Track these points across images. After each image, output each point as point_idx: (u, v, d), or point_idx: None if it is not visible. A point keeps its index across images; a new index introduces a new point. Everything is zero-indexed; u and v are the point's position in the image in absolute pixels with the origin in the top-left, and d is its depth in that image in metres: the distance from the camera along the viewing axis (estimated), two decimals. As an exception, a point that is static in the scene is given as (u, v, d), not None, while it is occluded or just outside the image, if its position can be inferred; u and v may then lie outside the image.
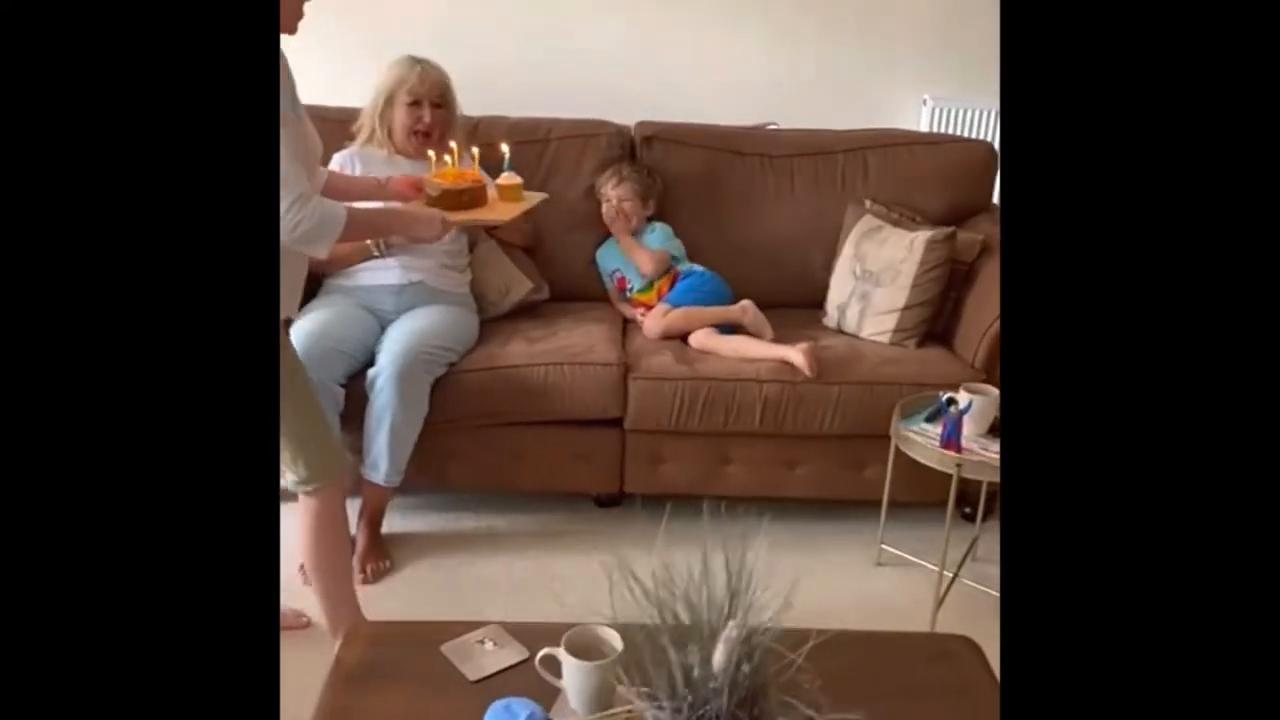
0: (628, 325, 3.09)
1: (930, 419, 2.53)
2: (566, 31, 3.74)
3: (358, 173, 2.85)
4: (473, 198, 2.43)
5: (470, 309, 2.97)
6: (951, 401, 2.45)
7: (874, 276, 2.99)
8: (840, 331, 3.06)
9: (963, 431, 2.41)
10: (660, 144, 3.25)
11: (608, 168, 3.17)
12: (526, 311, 3.04)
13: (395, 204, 2.45)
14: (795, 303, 3.19)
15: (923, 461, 2.44)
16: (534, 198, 2.65)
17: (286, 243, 1.80)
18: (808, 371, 2.72)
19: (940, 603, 2.47)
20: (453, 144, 2.58)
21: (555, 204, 3.15)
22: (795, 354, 2.74)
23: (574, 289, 3.16)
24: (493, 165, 2.70)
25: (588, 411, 2.70)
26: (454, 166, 2.50)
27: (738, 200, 3.24)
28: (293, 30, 1.79)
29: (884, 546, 2.77)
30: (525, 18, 3.72)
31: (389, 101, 2.87)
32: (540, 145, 3.22)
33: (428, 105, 2.88)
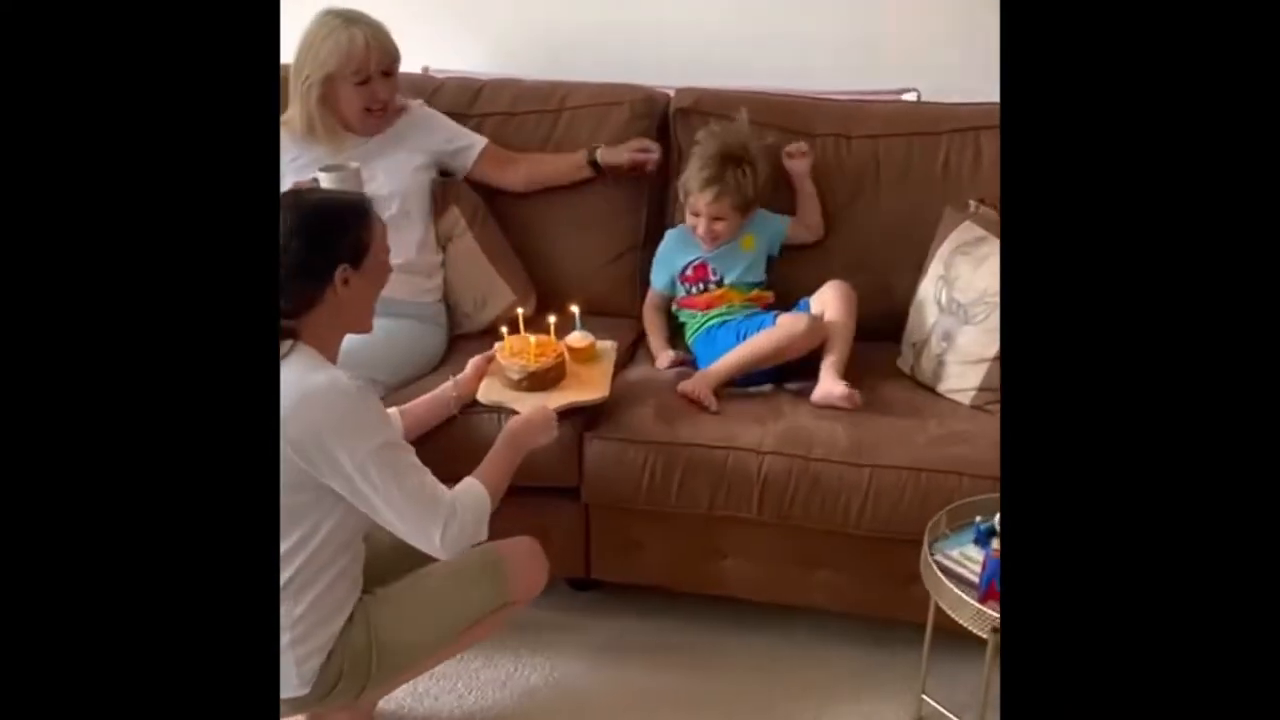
0: (636, 350, 2.39)
1: (987, 536, 1.71)
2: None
3: (295, 166, 2.30)
4: (558, 373, 2.07)
5: (436, 323, 2.38)
6: (994, 534, 1.63)
7: (963, 310, 2.15)
8: (913, 380, 2.24)
9: (1011, 575, 1.59)
10: (701, 119, 2.49)
11: (629, 140, 2.46)
12: (514, 325, 2.35)
13: (506, 427, 1.92)
14: (870, 334, 2.37)
15: (950, 613, 1.65)
16: (607, 353, 2.20)
17: (455, 553, 1.67)
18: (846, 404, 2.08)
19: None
20: (519, 310, 2.21)
21: (559, 193, 2.49)
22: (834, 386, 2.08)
23: (582, 298, 2.43)
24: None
25: (533, 476, 2.03)
26: (525, 336, 2.08)
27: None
28: (368, 328, 1.76)
29: (925, 698, 1.97)
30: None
31: (329, 84, 2.27)
32: (551, 117, 2.55)
33: (379, 78, 2.28)
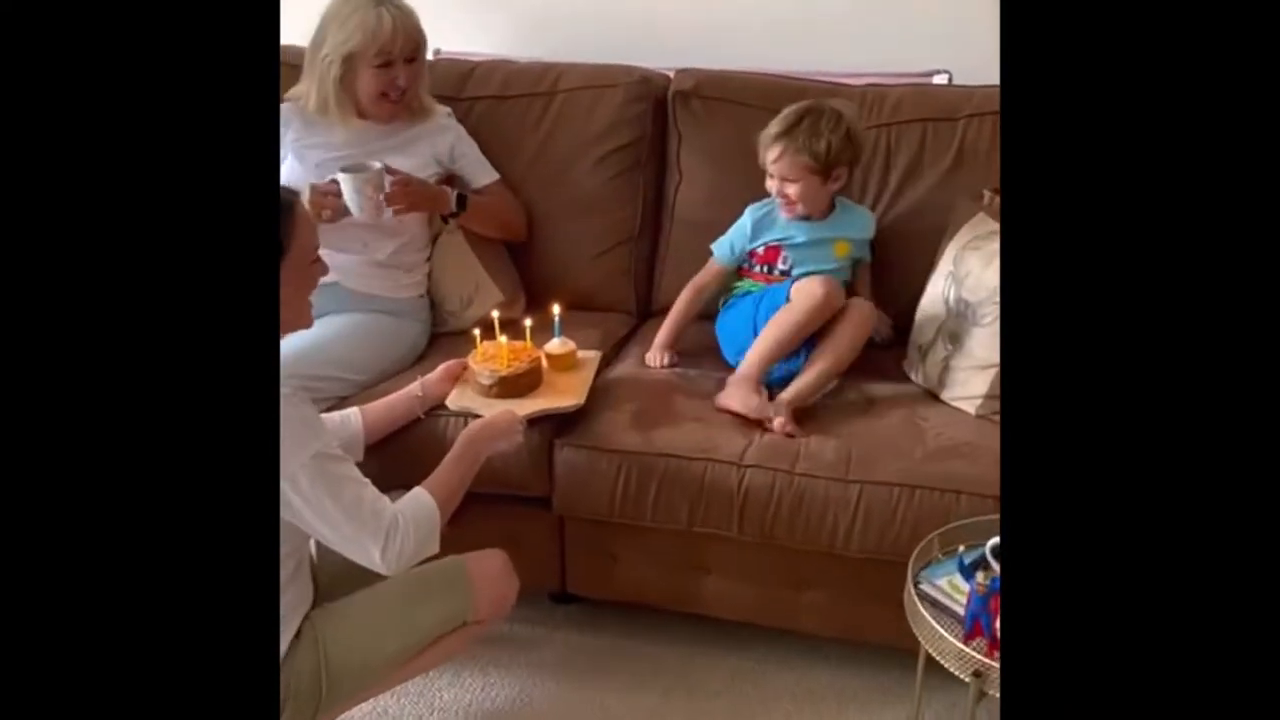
0: (625, 345, 2.25)
1: (971, 569, 1.55)
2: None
3: (298, 146, 2.21)
4: (532, 379, 1.94)
5: (415, 318, 2.26)
6: (980, 566, 1.47)
7: (971, 310, 1.98)
8: (917, 386, 2.07)
9: (998, 617, 1.44)
10: (703, 103, 2.34)
11: (626, 126, 2.32)
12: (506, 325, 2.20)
13: (465, 431, 1.78)
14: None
15: (931, 653, 1.49)
16: (589, 361, 2.05)
17: (399, 571, 1.56)
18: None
19: None
20: (494, 313, 2.03)
21: (551, 181, 2.36)
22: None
23: (573, 295, 2.29)
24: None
25: (503, 483, 1.91)
26: (499, 340, 1.94)
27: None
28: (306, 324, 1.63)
29: (920, 732, 1.82)
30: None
31: (349, 63, 2.14)
32: (543, 100, 2.41)
33: (401, 63, 2.15)
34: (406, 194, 2.08)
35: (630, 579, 2.01)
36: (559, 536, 2.02)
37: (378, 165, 2.04)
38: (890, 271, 2.22)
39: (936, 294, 2.07)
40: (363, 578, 1.69)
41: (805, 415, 1.93)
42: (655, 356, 2.15)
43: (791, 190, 2.05)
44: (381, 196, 2.04)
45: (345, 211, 2.06)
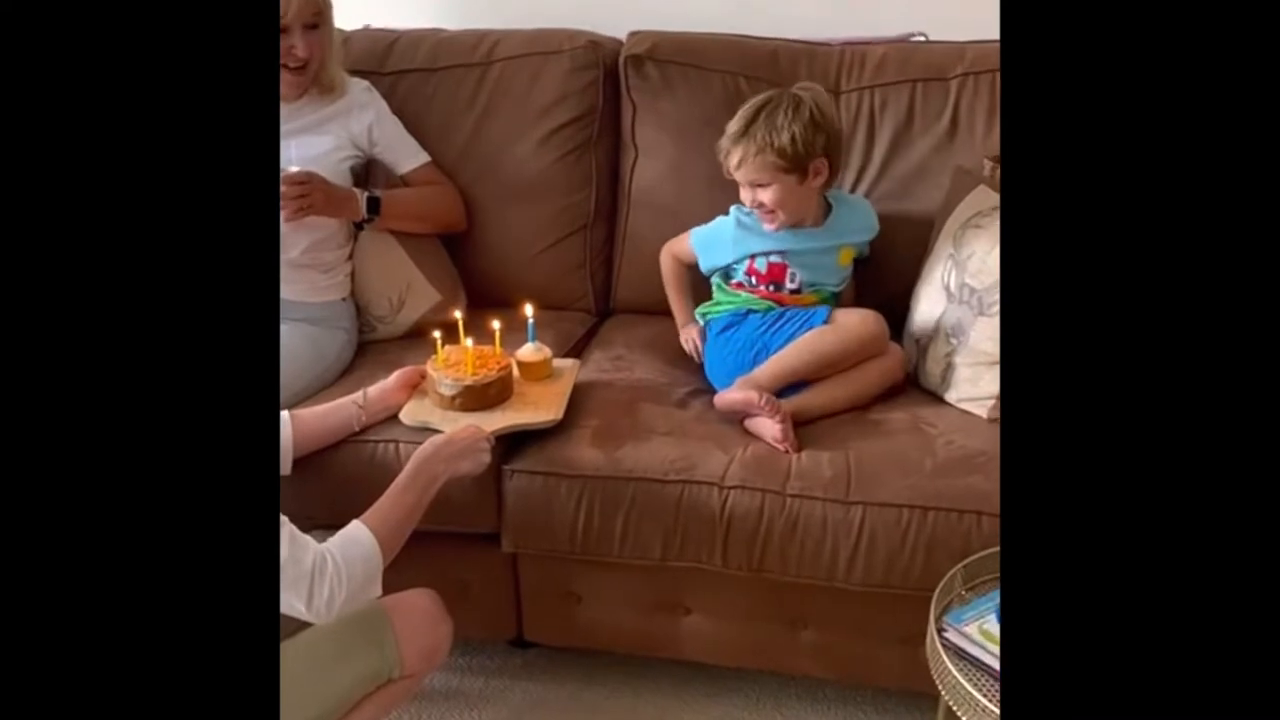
0: (584, 349, 1.96)
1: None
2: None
3: None
4: (501, 390, 1.67)
5: (337, 326, 1.96)
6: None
7: (977, 297, 1.71)
8: (917, 386, 1.81)
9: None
10: (658, 67, 2.06)
11: (574, 98, 2.04)
12: (450, 332, 1.82)
13: (417, 451, 1.52)
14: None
15: (955, 710, 1.23)
16: (567, 372, 1.78)
17: (332, 619, 1.33)
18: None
19: None
20: (457, 313, 1.78)
21: (490, 164, 2.07)
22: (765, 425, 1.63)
23: (520, 293, 1.96)
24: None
25: (440, 518, 1.61)
26: (464, 343, 1.70)
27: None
28: None
29: (938, 790, 1.55)
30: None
31: None
32: (478, 71, 2.12)
33: (298, 30, 1.84)
34: (303, 195, 1.77)
35: (597, 622, 1.73)
36: (513, 577, 1.74)
37: (294, 168, 1.78)
38: (879, 256, 1.95)
39: (935, 280, 1.80)
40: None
41: (796, 423, 1.66)
42: (689, 340, 1.89)
43: (766, 197, 1.74)
44: None
45: None
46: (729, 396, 1.66)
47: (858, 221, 1.86)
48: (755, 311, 1.79)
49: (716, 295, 1.88)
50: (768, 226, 1.78)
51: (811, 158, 1.71)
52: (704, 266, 1.88)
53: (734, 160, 1.74)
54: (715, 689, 1.80)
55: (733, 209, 1.84)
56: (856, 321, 1.72)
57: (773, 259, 1.80)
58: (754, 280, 1.82)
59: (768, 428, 1.61)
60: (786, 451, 1.60)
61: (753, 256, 1.81)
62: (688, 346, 1.89)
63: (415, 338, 1.97)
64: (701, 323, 1.87)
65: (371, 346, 1.99)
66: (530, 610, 1.75)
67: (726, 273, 1.86)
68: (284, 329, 1.86)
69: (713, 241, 1.86)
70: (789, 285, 1.81)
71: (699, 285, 1.93)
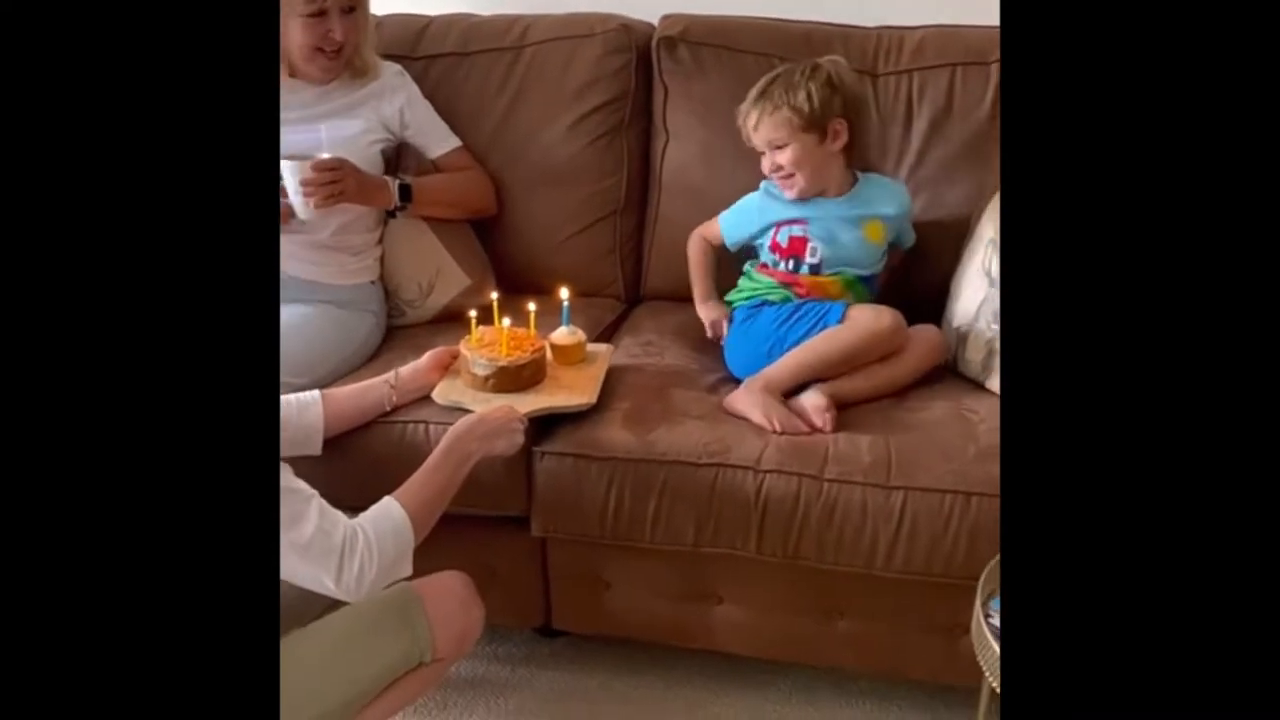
0: (614, 334, 1.93)
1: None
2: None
3: None
4: (535, 371, 1.65)
5: (365, 309, 1.93)
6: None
7: (1019, 281, 1.66)
8: (957, 374, 1.77)
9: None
10: (691, 49, 2.03)
11: (605, 82, 2.01)
12: (486, 313, 1.81)
13: (450, 429, 1.50)
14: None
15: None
16: (600, 356, 1.76)
17: (364, 596, 1.33)
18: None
19: None
20: (493, 295, 1.76)
21: (521, 149, 2.05)
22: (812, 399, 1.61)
23: (549, 278, 1.94)
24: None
25: (469, 501, 1.58)
26: (499, 325, 1.66)
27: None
28: None
29: (978, 788, 1.51)
30: None
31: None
32: (510, 55, 2.09)
33: (336, 14, 1.82)
34: (334, 182, 1.75)
35: (626, 609, 1.69)
36: (541, 562, 1.70)
37: (325, 157, 1.76)
38: (919, 242, 1.91)
39: (975, 266, 1.76)
40: (298, 616, 1.39)
41: (846, 416, 1.63)
42: (705, 312, 1.86)
43: (784, 157, 1.72)
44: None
45: (289, 211, 1.76)
46: (737, 404, 1.63)
47: (884, 195, 1.82)
48: (771, 304, 1.76)
49: (740, 282, 1.85)
50: (788, 193, 1.76)
51: (829, 118, 1.71)
52: (731, 240, 1.86)
53: (752, 122, 1.74)
54: (745, 681, 1.76)
55: (761, 184, 1.82)
56: (871, 318, 1.68)
57: (794, 231, 1.77)
58: (777, 258, 1.79)
59: (812, 411, 1.58)
60: (821, 430, 1.56)
61: (776, 227, 1.78)
62: (706, 323, 1.86)
63: (443, 322, 1.94)
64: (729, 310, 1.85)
65: (399, 331, 1.96)
66: (559, 596, 1.72)
67: (753, 253, 1.84)
68: (311, 311, 1.85)
69: (739, 213, 1.85)
70: (809, 260, 1.77)
71: (725, 274, 1.90)
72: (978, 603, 1.29)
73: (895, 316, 1.68)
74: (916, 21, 2.04)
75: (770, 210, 1.80)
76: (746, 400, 1.61)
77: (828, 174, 1.77)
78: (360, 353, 1.87)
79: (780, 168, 1.74)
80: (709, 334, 1.84)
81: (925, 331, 1.74)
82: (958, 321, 1.77)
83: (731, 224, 1.86)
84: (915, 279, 1.90)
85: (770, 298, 1.77)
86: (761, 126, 1.73)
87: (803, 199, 1.77)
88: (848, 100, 1.73)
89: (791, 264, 1.78)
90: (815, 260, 1.77)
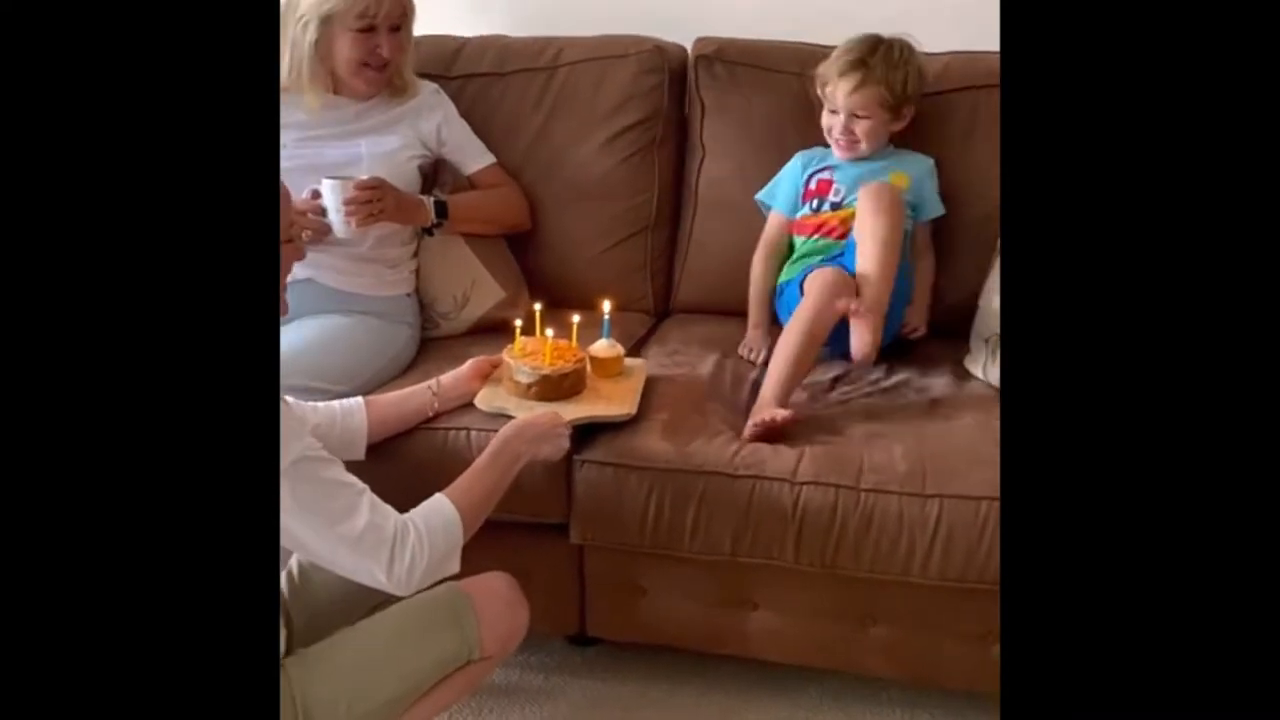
0: (643, 347, 1.97)
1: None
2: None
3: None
4: (576, 381, 1.69)
5: (401, 321, 1.97)
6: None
7: (1048, 296, 1.70)
8: (986, 384, 1.80)
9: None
10: (728, 68, 2.08)
11: (638, 101, 2.06)
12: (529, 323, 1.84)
13: (501, 431, 1.52)
14: (935, 327, 1.97)
15: None
16: (637, 370, 1.80)
17: (413, 589, 1.33)
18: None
19: None
20: (536, 305, 1.78)
21: (554, 166, 2.09)
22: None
23: (581, 292, 2.02)
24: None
25: (508, 507, 1.60)
26: (544, 334, 1.68)
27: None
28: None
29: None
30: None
31: (327, 26, 1.86)
32: (544, 75, 2.14)
33: (384, 30, 1.87)
34: (371, 201, 1.79)
35: (662, 617, 1.72)
36: (578, 569, 1.73)
37: (364, 175, 1.81)
38: (945, 256, 1.95)
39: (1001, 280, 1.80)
40: (345, 614, 1.41)
41: (863, 417, 1.66)
42: (753, 348, 1.90)
43: (861, 128, 1.84)
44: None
45: (327, 229, 1.79)
46: (750, 431, 1.64)
47: (910, 159, 1.93)
48: (798, 262, 1.88)
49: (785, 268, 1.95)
50: (841, 153, 1.87)
51: (909, 102, 1.84)
52: (781, 203, 1.95)
53: (849, 84, 1.81)
54: (777, 688, 1.78)
55: (796, 156, 1.96)
56: (810, 282, 1.74)
57: (823, 175, 1.91)
58: (809, 203, 1.91)
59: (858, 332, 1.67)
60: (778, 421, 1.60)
61: (811, 175, 1.92)
62: (743, 350, 1.90)
63: (478, 334, 1.98)
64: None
65: (434, 343, 1.99)
66: (594, 603, 1.74)
67: (794, 209, 1.93)
68: (348, 321, 1.88)
69: (784, 178, 1.96)
70: (831, 198, 1.88)
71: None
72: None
73: (836, 271, 1.72)
74: (941, 48, 2.09)
75: (809, 164, 1.92)
76: (758, 413, 1.64)
77: (880, 145, 1.89)
78: (397, 363, 1.91)
79: (851, 132, 1.84)
80: (747, 352, 1.89)
81: (865, 193, 1.76)
82: (987, 333, 1.80)
83: (778, 193, 1.96)
84: (944, 292, 1.94)
85: (796, 259, 1.89)
86: (858, 93, 1.81)
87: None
88: (922, 89, 1.86)
89: (816, 203, 1.89)
90: (838, 199, 1.87)
